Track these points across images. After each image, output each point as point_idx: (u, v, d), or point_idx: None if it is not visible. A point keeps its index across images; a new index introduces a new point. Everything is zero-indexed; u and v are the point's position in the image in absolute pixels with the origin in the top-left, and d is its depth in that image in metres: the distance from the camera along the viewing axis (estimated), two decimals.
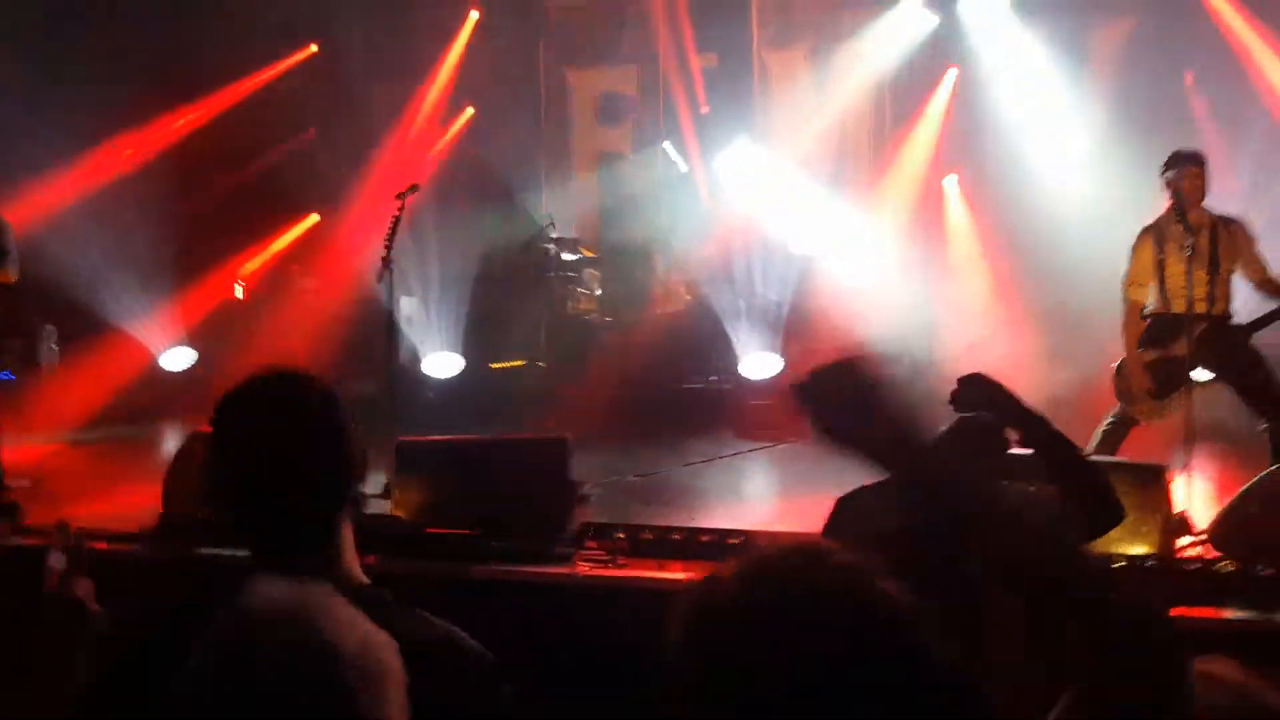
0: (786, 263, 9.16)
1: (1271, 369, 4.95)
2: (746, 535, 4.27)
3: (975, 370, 2.34)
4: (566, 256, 9.35)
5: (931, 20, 9.17)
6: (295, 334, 8.48)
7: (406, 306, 8.82)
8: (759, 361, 8.73)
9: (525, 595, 4.31)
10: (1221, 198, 5.28)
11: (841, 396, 1.39)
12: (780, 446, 7.56)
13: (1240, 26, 8.21)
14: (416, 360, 8.98)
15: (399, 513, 4.70)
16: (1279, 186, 7.46)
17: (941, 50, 9.21)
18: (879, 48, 9.34)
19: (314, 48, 10.12)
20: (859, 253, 9.24)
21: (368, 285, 6.47)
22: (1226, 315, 5.07)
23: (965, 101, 9.10)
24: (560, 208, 9.75)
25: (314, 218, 10.19)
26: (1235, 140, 7.93)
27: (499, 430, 6.53)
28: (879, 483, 2.83)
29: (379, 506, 4.82)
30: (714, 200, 9.48)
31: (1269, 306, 4.96)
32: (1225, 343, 4.93)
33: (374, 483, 4.97)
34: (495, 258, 9.28)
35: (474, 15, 9.93)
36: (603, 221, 10.07)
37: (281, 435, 1.62)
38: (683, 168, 10.01)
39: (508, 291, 9.17)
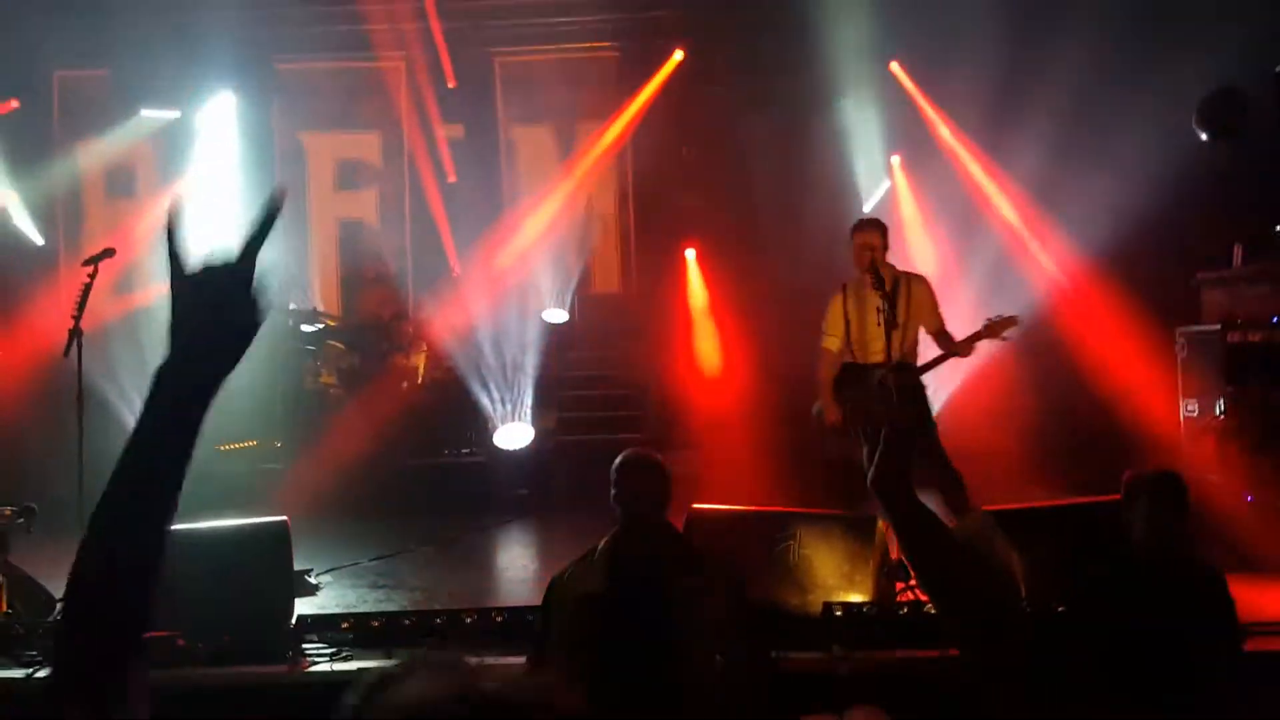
0: (538, 330, 9.07)
1: (938, 437, 5.25)
2: (478, 613, 4.01)
3: None
4: (305, 328, 8.80)
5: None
6: None
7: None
8: (512, 432, 8.52)
9: (237, 701, 3.86)
10: (923, 256, 5.54)
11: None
12: (529, 518, 7.37)
13: (934, 116, 9.15)
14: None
15: None
16: (975, 246, 8.39)
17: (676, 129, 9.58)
18: (620, 127, 9.67)
19: None
20: (610, 316, 9.32)
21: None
22: (904, 360, 5.35)
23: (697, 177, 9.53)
24: (296, 275, 9.17)
25: None
26: (935, 209, 8.84)
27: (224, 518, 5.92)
28: (584, 556, 3.11)
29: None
30: (462, 268, 9.23)
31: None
32: (903, 383, 5.16)
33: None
34: None
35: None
36: (344, 290, 9.56)
37: None
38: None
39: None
